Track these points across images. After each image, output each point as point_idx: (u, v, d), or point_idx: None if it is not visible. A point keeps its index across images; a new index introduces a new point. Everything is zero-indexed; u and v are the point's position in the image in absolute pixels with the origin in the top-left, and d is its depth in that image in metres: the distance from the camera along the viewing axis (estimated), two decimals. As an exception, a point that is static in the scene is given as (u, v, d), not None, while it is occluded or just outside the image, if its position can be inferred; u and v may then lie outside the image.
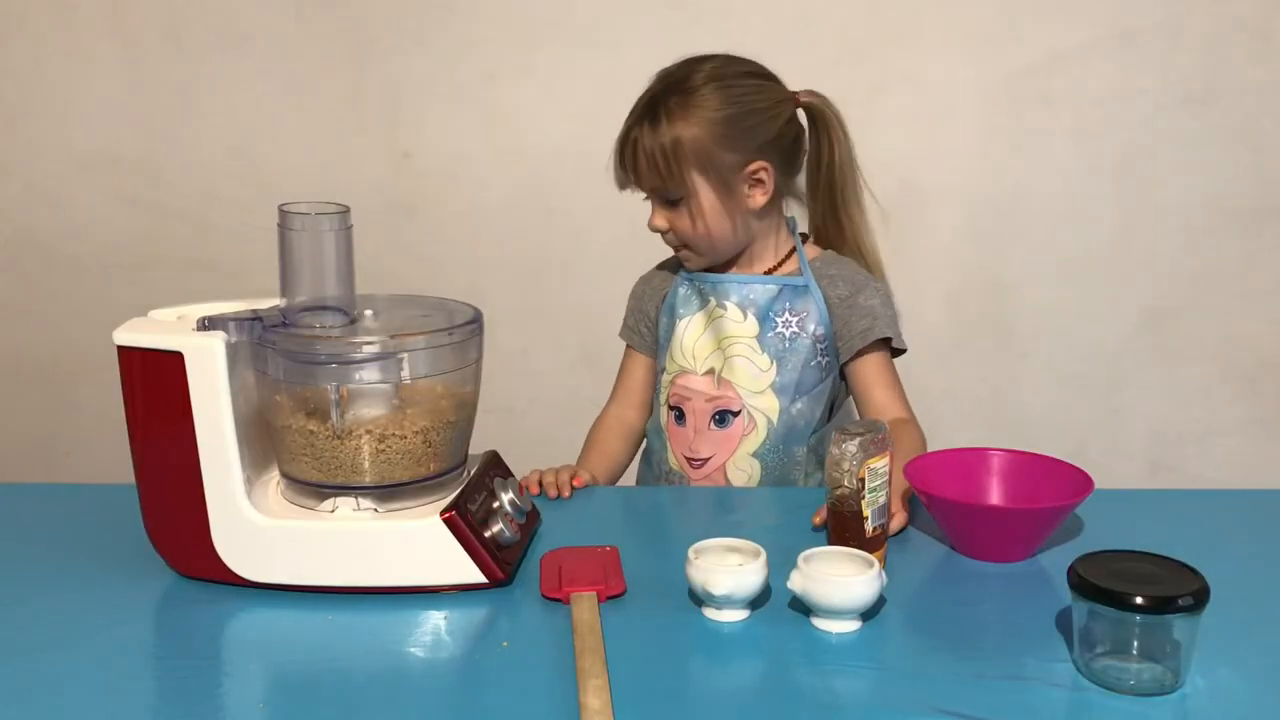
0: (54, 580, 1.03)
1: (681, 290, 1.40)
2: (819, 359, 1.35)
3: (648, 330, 1.46)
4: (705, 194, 1.30)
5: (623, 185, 1.35)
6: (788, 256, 1.39)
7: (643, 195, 1.35)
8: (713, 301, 1.37)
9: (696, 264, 1.37)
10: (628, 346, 1.50)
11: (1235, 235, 2.09)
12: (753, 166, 1.30)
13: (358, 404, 1.00)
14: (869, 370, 1.35)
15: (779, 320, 1.34)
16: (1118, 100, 2.04)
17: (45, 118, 2.15)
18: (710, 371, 1.36)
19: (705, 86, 1.28)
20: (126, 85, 2.13)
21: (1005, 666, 0.86)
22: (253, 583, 1.00)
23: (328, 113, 2.12)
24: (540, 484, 1.26)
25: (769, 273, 1.38)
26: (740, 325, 1.35)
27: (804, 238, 1.42)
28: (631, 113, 1.33)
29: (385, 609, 0.97)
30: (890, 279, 2.09)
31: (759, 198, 1.32)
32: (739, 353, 1.35)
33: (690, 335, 1.38)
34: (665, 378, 1.41)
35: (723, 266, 1.39)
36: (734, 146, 1.29)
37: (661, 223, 1.34)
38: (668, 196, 1.31)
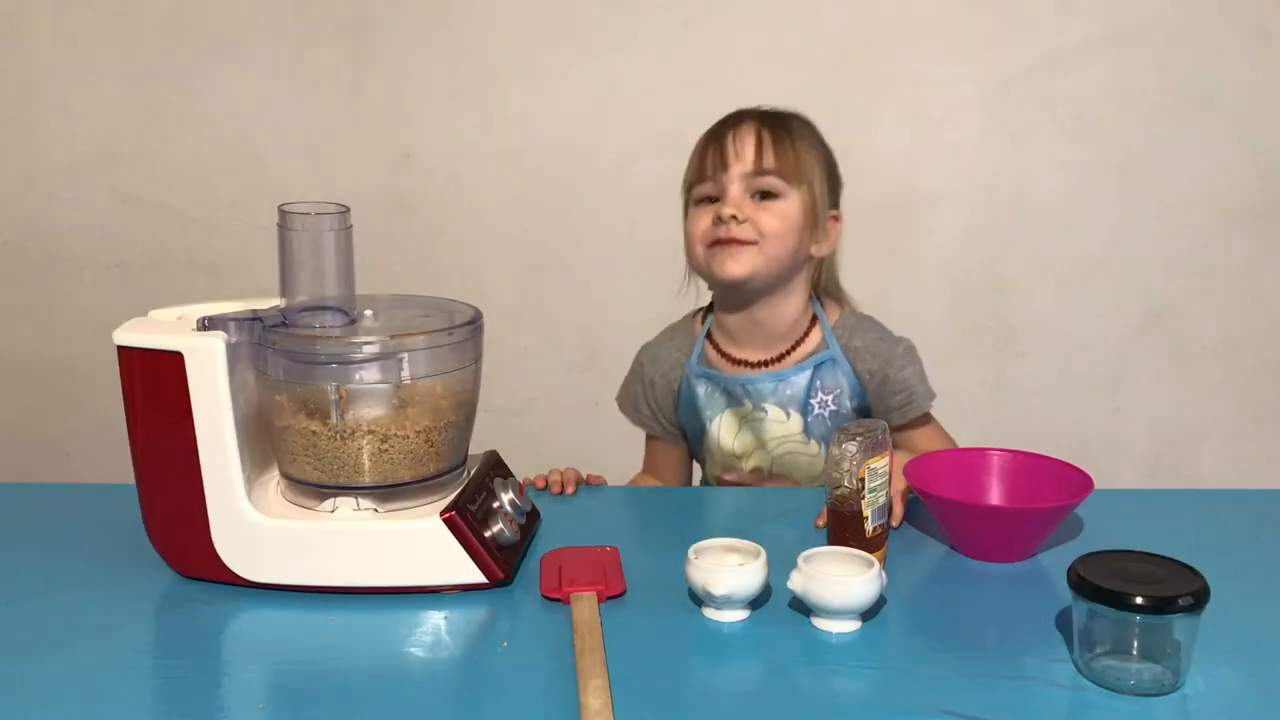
0: (54, 580, 1.03)
1: (701, 390, 1.37)
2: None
3: (669, 424, 1.43)
4: (797, 205, 1.29)
5: (712, 172, 1.29)
6: (811, 325, 1.36)
7: (701, 196, 1.31)
8: (747, 404, 1.34)
9: (737, 271, 1.28)
10: (649, 436, 1.47)
11: (1235, 235, 2.09)
12: (835, 212, 1.35)
13: (358, 404, 1.00)
14: (912, 437, 1.35)
15: (815, 403, 1.33)
16: (1118, 100, 2.04)
17: (45, 117, 2.15)
18: (757, 469, 1.36)
19: (809, 126, 1.35)
20: (126, 85, 2.13)
21: (1005, 666, 0.86)
22: (253, 583, 1.00)
23: (328, 113, 2.12)
24: (547, 482, 1.26)
25: (795, 346, 1.35)
26: (784, 425, 1.33)
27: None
28: (735, 114, 1.33)
29: (385, 609, 0.97)
30: (891, 279, 2.10)
31: (825, 248, 1.34)
32: (787, 450, 1.34)
33: (726, 436, 1.36)
34: (709, 468, 1.41)
35: (749, 346, 1.35)
36: (831, 187, 1.34)
37: (738, 211, 1.27)
38: (768, 188, 1.28)
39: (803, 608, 0.93)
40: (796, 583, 0.91)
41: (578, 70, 2.07)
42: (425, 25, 2.07)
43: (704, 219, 1.30)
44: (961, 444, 1.23)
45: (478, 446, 1.12)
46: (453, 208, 2.14)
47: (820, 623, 0.92)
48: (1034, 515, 1.06)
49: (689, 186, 1.34)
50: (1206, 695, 0.82)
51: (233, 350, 0.98)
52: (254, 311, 1.01)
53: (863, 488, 1.00)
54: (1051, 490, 1.09)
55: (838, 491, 1.01)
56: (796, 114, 1.34)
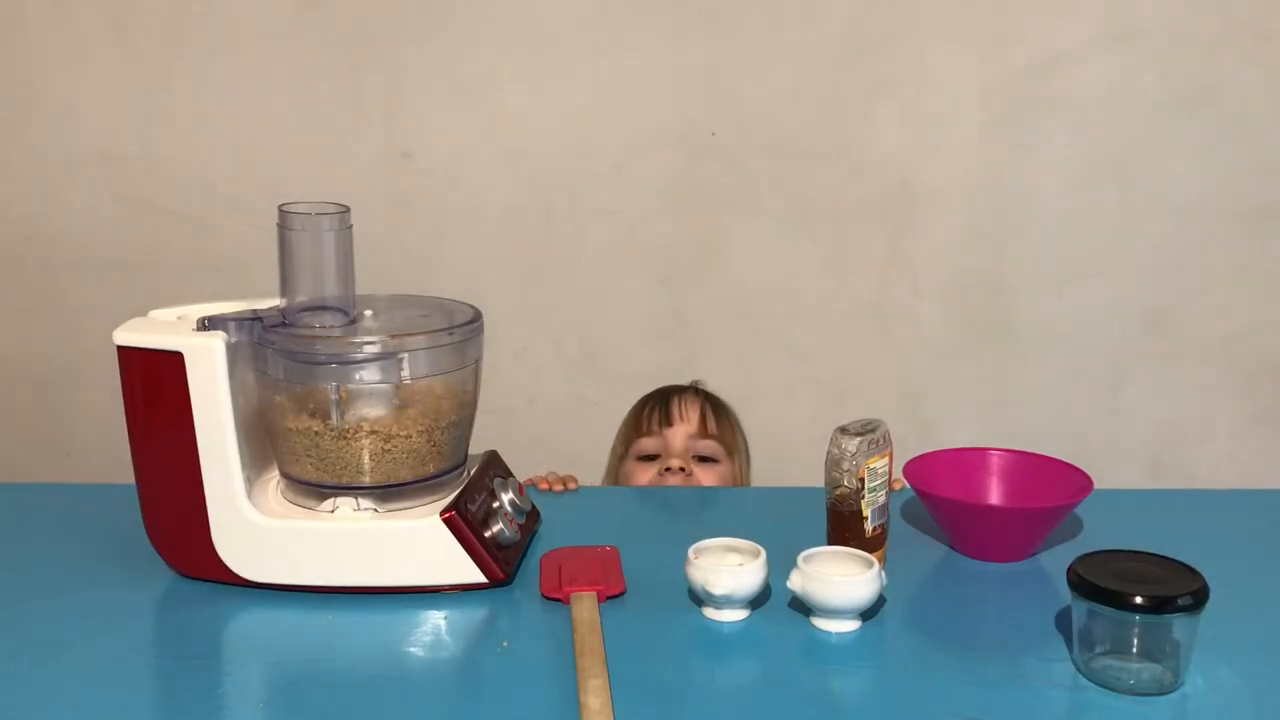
0: (54, 580, 1.03)
1: None
2: None
3: None
4: (729, 474, 1.44)
5: (658, 428, 1.44)
6: None
7: (641, 453, 1.44)
8: None
9: None
10: None
11: (1235, 235, 2.08)
12: None
13: (358, 404, 1.00)
14: None
15: None
16: (1118, 100, 2.04)
17: (45, 118, 2.15)
18: None
19: (735, 415, 1.54)
20: (126, 85, 2.12)
21: (1005, 666, 0.86)
22: (253, 583, 1.00)
23: (328, 113, 2.11)
24: (549, 485, 1.26)
25: None
26: None
27: None
28: (675, 386, 1.49)
29: (385, 609, 0.97)
30: (891, 279, 2.10)
31: None
32: None
33: None
34: None
35: None
36: (748, 469, 1.54)
37: (685, 463, 1.43)
38: (709, 452, 1.44)
39: (802, 607, 0.93)
40: (796, 582, 0.91)
41: (578, 70, 2.07)
42: (425, 25, 2.07)
43: (646, 473, 1.38)
44: (961, 444, 1.23)
45: (478, 446, 1.12)
46: (453, 208, 2.14)
47: (820, 622, 0.92)
48: (1034, 515, 1.06)
49: (628, 443, 1.43)
50: (1206, 695, 0.82)
51: (233, 350, 0.98)
52: (254, 311, 1.01)
53: (862, 488, 1.00)
54: (1051, 490, 1.09)
55: (837, 491, 1.01)
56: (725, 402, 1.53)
